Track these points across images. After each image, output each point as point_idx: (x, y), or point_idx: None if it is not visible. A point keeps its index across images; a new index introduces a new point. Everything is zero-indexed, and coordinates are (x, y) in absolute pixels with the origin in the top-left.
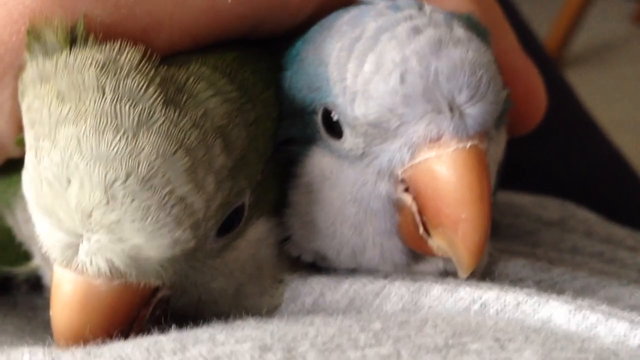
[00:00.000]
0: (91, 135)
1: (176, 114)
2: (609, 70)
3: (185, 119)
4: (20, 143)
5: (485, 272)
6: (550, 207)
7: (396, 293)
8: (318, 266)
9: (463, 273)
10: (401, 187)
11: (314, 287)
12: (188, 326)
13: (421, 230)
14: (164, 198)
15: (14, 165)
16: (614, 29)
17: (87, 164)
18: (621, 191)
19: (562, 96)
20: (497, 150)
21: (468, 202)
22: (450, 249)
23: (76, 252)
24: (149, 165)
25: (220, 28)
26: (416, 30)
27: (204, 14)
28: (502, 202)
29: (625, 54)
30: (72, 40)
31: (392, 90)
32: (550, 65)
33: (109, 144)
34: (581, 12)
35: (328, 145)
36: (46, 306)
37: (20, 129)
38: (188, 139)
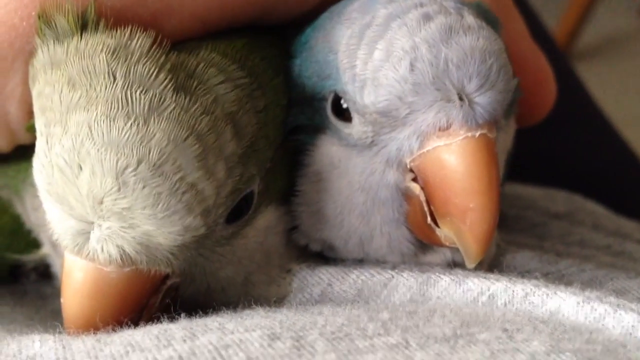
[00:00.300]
0: (102, 121)
1: (187, 100)
2: (617, 65)
3: (196, 105)
4: (31, 129)
5: (492, 263)
6: (558, 199)
7: (404, 284)
8: (325, 257)
9: (470, 263)
10: (409, 176)
11: (322, 277)
12: (197, 315)
13: (429, 219)
14: (175, 185)
15: (23, 152)
16: (622, 23)
17: (98, 151)
18: (629, 184)
19: (571, 89)
20: (506, 139)
21: (476, 192)
22: (457, 239)
23: (87, 239)
24: (160, 152)
25: (231, 13)
26: (427, 18)
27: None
28: (510, 194)
29: (633, 48)
30: (83, 26)
31: (402, 78)
32: (560, 58)
33: (120, 130)
34: (589, 6)
35: (337, 134)
36: (55, 294)
37: (30, 114)
38: (199, 126)
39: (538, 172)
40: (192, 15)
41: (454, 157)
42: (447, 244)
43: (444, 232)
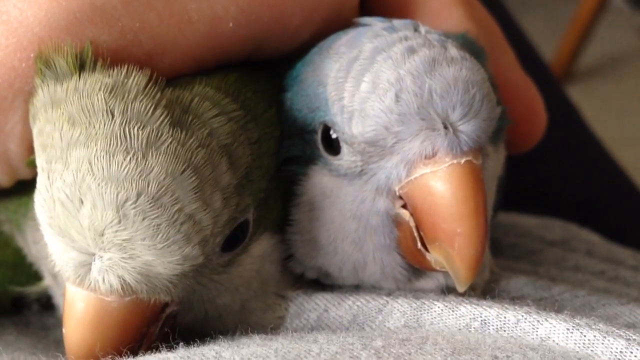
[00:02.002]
0: (102, 157)
1: (183, 135)
2: (619, 84)
3: (192, 139)
4: (31, 164)
5: (486, 289)
6: (554, 228)
7: (399, 309)
8: (321, 283)
9: (460, 287)
10: (399, 203)
11: (319, 303)
12: (195, 344)
13: (419, 244)
14: (173, 216)
15: (24, 187)
16: (623, 43)
17: (99, 185)
18: (626, 212)
19: (566, 117)
20: (495, 166)
21: (463, 217)
22: (447, 263)
23: (89, 270)
24: (158, 185)
25: (222, 51)
26: (411, 51)
27: (206, 38)
28: (505, 222)
29: (634, 68)
30: (80, 66)
31: (388, 109)
32: (554, 85)
33: (120, 165)
34: (590, 26)
35: (327, 164)
36: (57, 325)
37: (30, 151)
38: (195, 158)
39: (534, 201)
40: (184, 54)
41: (441, 184)
42: (438, 268)
43: (433, 256)
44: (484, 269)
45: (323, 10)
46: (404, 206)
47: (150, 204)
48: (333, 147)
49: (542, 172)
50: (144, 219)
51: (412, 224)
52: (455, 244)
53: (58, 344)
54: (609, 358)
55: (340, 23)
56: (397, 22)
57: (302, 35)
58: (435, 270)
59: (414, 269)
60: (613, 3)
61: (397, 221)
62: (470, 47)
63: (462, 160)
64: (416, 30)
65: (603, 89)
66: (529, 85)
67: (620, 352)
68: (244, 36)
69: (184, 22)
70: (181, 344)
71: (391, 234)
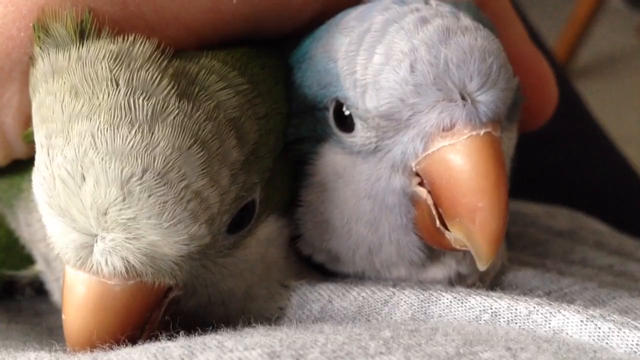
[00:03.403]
0: (106, 130)
1: (190, 107)
2: (616, 82)
3: (199, 112)
4: (28, 138)
5: (494, 282)
6: (560, 217)
7: (405, 301)
8: (325, 271)
9: (482, 264)
10: (415, 181)
11: (322, 293)
12: (196, 333)
13: (437, 223)
14: (180, 193)
15: (16, 167)
16: (621, 41)
17: (102, 160)
18: (631, 201)
19: (572, 105)
20: (510, 145)
21: (484, 190)
22: (467, 240)
23: (90, 252)
24: (164, 160)
25: (225, 27)
26: (424, 21)
27: (209, 13)
28: (511, 211)
29: (631, 66)
30: (81, 33)
31: (403, 80)
32: (560, 73)
33: (124, 138)
34: (588, 24)
35: (340, 142)
36: (50, 311)
37: (27, 125)
38: (202, 132)
39: (540, 189)
40: (187, 28)
41: (460, 157)
42: (458, 247)
43: (453, 235)
44: (501, 252)
45: None
46: (421, 184)
47: (156, 180)
48: (346, 124)
49: (546, 158)
50: (149, 196)
51: (429, 201)
52: (477, 219)
53: (51, 331)
54: (625, 350)
55: (344, 2)
56: None
57: (305, 14)
58: (455, 250)
59: (430, 250)
60: (610, 2)
61: (414, 199)
62: (475, 17)
63: (482, 132)
64: (427, 2)
65: (600, 87)
66: (539, 58)
67: (637, 344)
68: (247, 13)
69: None
70: (182, 333)
71: (408, 214)
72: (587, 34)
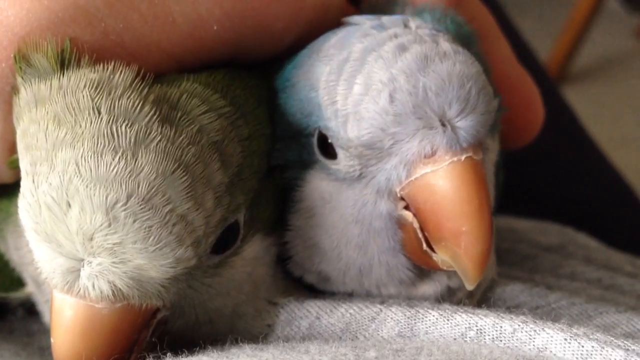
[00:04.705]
0: (89, 157)
1: (172, 132)
2: (613, 86)
3: (182, 137)
4: (12, 165)
5: (483, 297)
6: (550, 232)
7: (392, 318)
8: (313, 290)
9: (469, 285)
10: (401, 205)
11: (310, 310)
12: (183, 354)
13: (424, 245)
14: (165, 217)
15: (4, 190)
16: (618, 44)
17: (87, 187)
18: (621, 214)
19: (562, 119)
20: (492, 156)
21: (467, 215)
22: (454, 262)
23: (77, 276)
24: (149, 185)
25: (206, 53)
26: (402, 48)
27: (190, 40)
28: (501, 227)
29: (628, 70)
30: (62, 63)
31: (383, 110)
32: (550, 86)
33: (108, 165)
34: (585, 27)
35: (325, 169)
36: (42, 331)
37: (11, 152)
38: (186, 157)
39: (529, 205)
40: (168, 55)
41: (442, 182)
42: (445, 268)
43: (440, 257)
44: (491, 267)
45: (307, 14)
46: (407, 207)
47: (141, 205)
48: (329, 152)
49: (536, 173)
50: (134, 221)
51: (415, 225)
52: (462, 242)
53: (43, 351)
54: None
55: (326, 25)
56: (386, 19)
57: (287, 39)
58: (442, 270)
59: (420, 270)
60: (608, 5)
61: (400, 223)
62: (459, 29)
63: (463, 157)
64: (406, 26)
65: (598, 90)
66: (524, 77)
67: None
68: (228, 39)
69: (168, 24)
70: (169, 354)
71: (395, 236)
72: (584, 37)
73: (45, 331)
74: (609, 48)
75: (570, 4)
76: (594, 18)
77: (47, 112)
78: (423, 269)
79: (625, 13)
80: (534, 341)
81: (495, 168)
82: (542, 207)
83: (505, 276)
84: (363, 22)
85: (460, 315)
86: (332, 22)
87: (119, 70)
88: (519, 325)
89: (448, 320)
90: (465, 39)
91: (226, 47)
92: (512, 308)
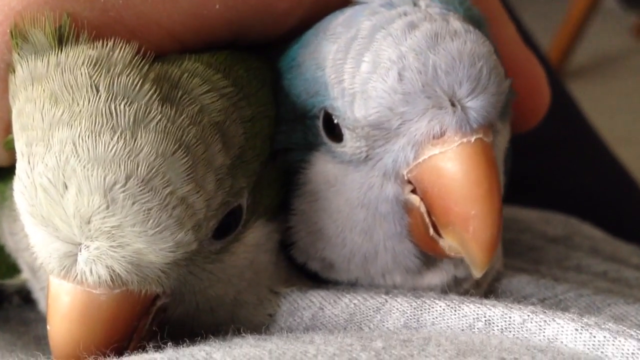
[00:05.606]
0: (87, 137)
1: (173, 111)
2: (610, 83)
3: (183, 116)
4: (8, 145)
5: (489, 288)
6: (555, 223)
7: (398, 309)
8: (317, 279)
9: (477, 272)
10: (408, 188)
11: (313, 300)
12: (184, 344)
13: (431, 231)
14: (165, 199)
15: None
16: (615, 42)
17: (84, 167)
18: (625, 205)
19: (566, 110)
20: (503, 141)
21: (477, 198)
22: (462, 248)
23: (74, 261)
24: (148, 166)
25: (208, 33)
26: (412, 26)
27: (192, 18)
28: (506, 217)
29: (625, 67)
30: (60, 39)
31: (391, 89)
32: (553, 77)
33: (107, 145)
34: (582, 25)
35: (331, 151)
36: (38, 320)
37: (6, 132)
38: (187, 137)
39: (534, 195)
40: (169, 34)
41: (451, 165)
42: (452, 254)
43: (447, 242)
44: (498, 258)
45: None
46: (414, 191)
47: (140, 187)
48: (335, 133)
49: (541, 164)
50: (133, 203)
51: (422, 209)
52: (470, 227)
53: (39, 340)
54: (620, 359)
55: (332, 6)
56: None
57: (290, 20)
58: (449, 257)
59: (426, 257)
60: (604, 3)
61: (407, 207)
62: (469, 13)
63: (473, 139)
64: (415, 4)
65: (595, 88)
66: (531, 59)
67: (632, 353)
68: (230, 18)
69: (169, 1)
70: (169, 344)
71: (402, 221)
72: (581, 35)
73: (42, 320)
74: (606, 46)
75: (567, 2)
76: (591, 16)
77: (44, 90)
78: (430, 256)
79: (622, 11)
80: (544, 332)
81: (504, 155)
82: (546, 197)
83: (511, 267)
84: (372, 1)
85: (467, 306)
86: (336, 6)
87: (119, 47)
88: (528, 316)
89: (455, 311)
90: (474, 21)
91: (228, 27)
92: (519, 299)
